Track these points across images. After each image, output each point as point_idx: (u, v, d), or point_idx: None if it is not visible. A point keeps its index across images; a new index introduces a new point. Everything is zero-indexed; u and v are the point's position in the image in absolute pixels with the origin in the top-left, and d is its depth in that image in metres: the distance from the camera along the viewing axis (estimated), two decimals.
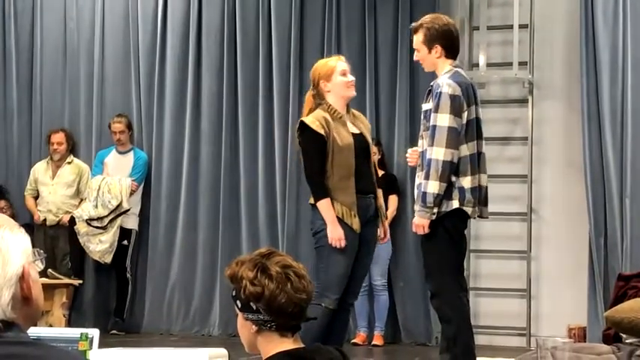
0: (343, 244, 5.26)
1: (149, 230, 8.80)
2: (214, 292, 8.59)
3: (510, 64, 8.00)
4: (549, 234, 8.09)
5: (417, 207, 5.08)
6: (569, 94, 8.01)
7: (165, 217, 8.76)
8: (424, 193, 5.00)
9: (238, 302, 2.79)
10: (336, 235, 5.26)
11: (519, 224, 8.15)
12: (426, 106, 5.16)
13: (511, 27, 7.99)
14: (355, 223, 5.31)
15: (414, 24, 5.31)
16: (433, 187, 4.98)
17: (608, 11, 7.63)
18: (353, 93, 5.52)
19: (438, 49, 5.15)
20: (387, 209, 6.97)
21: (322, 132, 5.30)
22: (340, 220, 5.30)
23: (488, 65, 8.12)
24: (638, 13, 7.58)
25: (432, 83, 5.19)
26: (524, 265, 8.05)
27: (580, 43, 7.71)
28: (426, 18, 5.25)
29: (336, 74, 5.45)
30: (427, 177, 5.01)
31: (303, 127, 5.37)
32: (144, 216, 8.80)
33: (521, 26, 7.99)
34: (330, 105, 5.41)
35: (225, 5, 8.67)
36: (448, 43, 5.17)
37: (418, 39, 5.21)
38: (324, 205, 5.29)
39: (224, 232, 8.58)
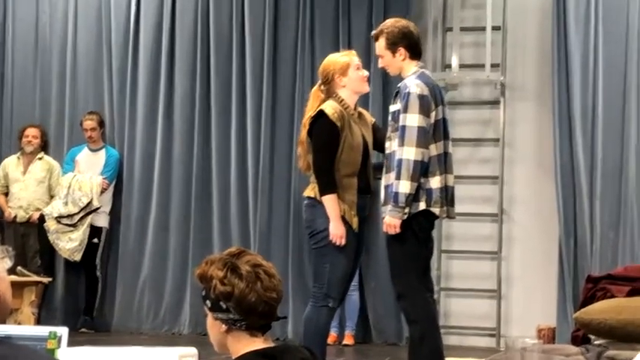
0: (344, 242, 5.23)
1: (120, 228, 8.76)
2: (185, 291, 8.57)
3: (483, 65, 8.03)
4: (520, 235, 8.13)
5: (388, 207, 5.09)
6: (541, 96, 8.05)
7: (137, 216, 8.73)
8: (396, 193, 5.02)
9: (208, 302, 2.79)
10: (338, 232, 5.22)
11: (490, 225, 8.19)
12: (394, 107, 5.18)
13: (484, 29, 8.03)
14: (355, 222, 5.30)
15: (374, 31, 5.33)
16: (405, 186, 5.00)
17: (580, 14, 7.68)
18: (368, 88, 5.48)
19: (402, 52, 5.19)
20: None
21: (339, 124, 5.25)
22: (342, 218, 5.27)
23: (461, 66, 8.15)
24: (609, 16, 7.63)
25: (399, 84, 5.21)
26: (495, 265, 8.09)
27: (552, 46, 7.76)
28: (386, 23, 5.29)
29: (352, 68, 5.40)
30: (398, 177, 5.02)
31: (320, 116, 5.26)
32: (115, 214, 8.76)
33: (493, 28, 8.02)
34: (343, 100, 5.36)
35: (198, 4, 8.64)
36: (411, 43, 5.20)
37: (380, 45, 5.24)
38: (331, 201, 5.21)
39: (195, 231, 8.56)
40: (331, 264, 5.29)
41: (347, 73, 5.38)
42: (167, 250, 8.65)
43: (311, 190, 5.36)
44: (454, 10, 8.18)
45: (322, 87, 5.44)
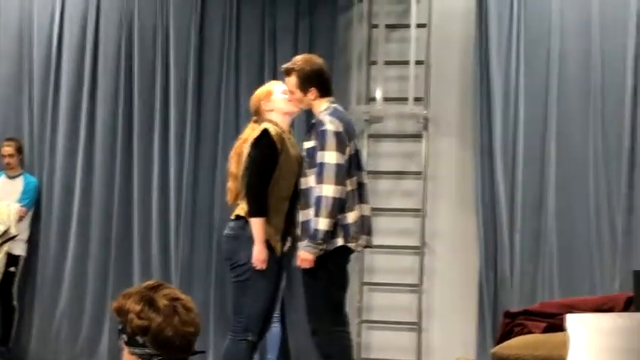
0: (265, 266, 5.23)
1: (38, 257, 8.61)
2: (103, 322, 8.44)
3: (406, 99, 8.10)
4: (441, 268, 8.18)
5: (304, 242, 5.13)
6: (463, 130, 8.14)
7: (55, 245, 8.59)
8: (316, 230, 5.08)
9: (124, 336, 2.74)
10: (261, 257, 5.23)
11: (412, 258, 8.23)
12: (308, 143, 5.24)
13: (408, 63, 8.10)
14: (278, 248, 5.31)
15: (285, 66, 5.38)
16: (324, 224, 5.07)
17: (502, 50, 7.80)
18: (295, 108, 5.49)
19: (313, 91, 5.27)
20: None
21: (279, 146, 5.26)
22: (266, 242, 5.26)
23: (385, 100, 8.20)
24: (530, 51, 7.75)
25: (313, 121, 5.27)
26: (416, 298, 8.12)
27: (474, 81, 7.86)
28: (298, 61, 5.34)
29: (275, 92, 5.46)
30: (317, 214, 5.08)
31: (263, 136, 5.26)
32: (33, 243, 8.60)
33: (417, 62, 8.10)
34: (277, 123, 5.38)
35: (122, 30, 8.57)
36: (322, 83, 5.28)
37: (291, 82, 5.31)
38: (258, 224, 5.22)
39: (115, 262, 8.45)
40: (252, 297, 5.28)
41: (271, 98, 5.44)
42: (86, 280, 8.52)
43: (240, 209, 5.35)
44: (379, 43, 8.25)
45: (254, 118, 5.50)
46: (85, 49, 8.64)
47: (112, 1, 8.60)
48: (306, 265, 5.11)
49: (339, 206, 5.11)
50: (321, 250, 5.11)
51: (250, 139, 5.36)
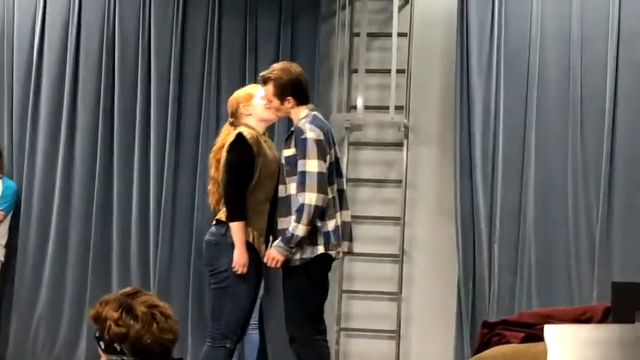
0: (245, 270, 5.26)
1: (16, 262, 8.56)
2: (81, 328, 8.40)
3: (387, 107, 8.12)
4: (420, 276, 8.19)
5: (278, 242, 5.19)
6: (443, 139, 8.16)
7: (34, 250, 8.55)
8: (292, 235, 5.14)
9: (102, 343, 2.75)
10: (242, 261, 5.26)
11: (391, 266, 8.24)
12: (288, 151, 5.27)
13: (389, 71, 8.12)
14: (263, 250, 5.34)
15: (262, 74, 5.41)
16: (302, 230, 5.12)
17: (483, 60, 7.83)
18: (273, 116, 5.51)
19: (290, 100, 5.31)
20: None
21: (255, 149, 5.28)
22: (250, 245, 5.29)
23: (366, 108, 8.22)
24: (511, 62, 7.79)
25: (292, 129, 5.30)
26: (395, 306, 8.13)
27: (455, 90, 7.88)
28: (275, 69, 5.36)
29: (256, 97, 5.47)
30: (298, 220, 5.11)
31: (238, 141, 5.28)
32: (11, 247, 8.56)
33: (398, 71, 8.12)
34: (253, 127, 5.40)
35: (104, 39, 8.54)
36: (299, 92, 5.31)
37: (269, 90, 5.34)
38: (238, 228, 5.26)
39: (94, 268, 8.41)
40: (231, 303, 5.30)
41: (251, 102, 5.45)
42: (64, 286, 8.48)
43: (222, 214, 5.37)
44: (360, 52, 8.27)
45: (231, 119, 5.51)
46: (66, 54, 8.61)
47: (93, 7, 8.58)
48: (273, 264, 5.20)
49: (320, 214, 5.15)
50: (292, 254, 5.14)
51: (227, 145, 5.39)
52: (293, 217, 5.14)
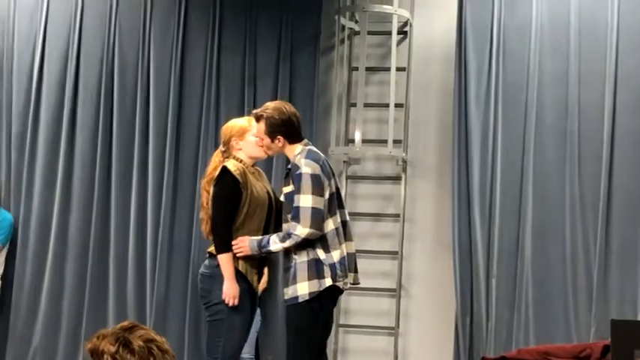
0: (237, 302, 5.25)
1: (12, 294, 8.53)
2: None
3: (385, 141, 8.13)
4: (417, 311, 8.17)
5: (258, 238, 5.25)
6: (441, 174, 8.17)
7: (30, 282, 8.51)
8: (268, 249, 5.37)
9: None
10: (231, 292, 5.26)
11: (388, 300, 8.22)
12: (287, 189, 5.30)
13: (387, 105, 8.14)
14: (255, 282, 5.35)
15: (255, 111, 5.46)
16: (278, 249, 5.32)
17: (481, 96, 7.85)
18: (263, 154, 5.54)
19: (280, 139, 5.35)
20: None
21: (241, 180, 5.31)
22: (242, 276, 5.29)
23: (364, 142, 8.23)
24: (508, 98, 7.81)
25: (289, 166, 5.33)
26: (392, 341, 8.10)
27: (453, 125, 7.90)
28: (268, 108, 5.40)
29: (249, 133, 5.50)
30: (282, 241, 5.33)
31: (224, 173, 5.33)
32: (7, 279, 8.53)
33: (396, 105, 8.14)
34: (242, 160, 5.45)
35: (103, 67, 8.56)
36: (290, 131, 5.34)
37: (260, 128, 5.38)
38: (226, 259, 5.27)
39: (90, 300, 8.38)
40: (226, 336, 5.28)
41: (244, 137, 5.49)
42: (60, 318, 8.44)
43: (210, 258, 5.39)
44: (358, 86, 8.29)
45: (222, 148, 5.55)
46: (65, 84, 8.62)
47: (93, 37, 8.60)
48: (238, 252, 5.22)
49: (300, 245, 5.21)
50: (261, 254, 5.28)
51: (209, 176, 5.46)
52: (280, 235, 5.22)
